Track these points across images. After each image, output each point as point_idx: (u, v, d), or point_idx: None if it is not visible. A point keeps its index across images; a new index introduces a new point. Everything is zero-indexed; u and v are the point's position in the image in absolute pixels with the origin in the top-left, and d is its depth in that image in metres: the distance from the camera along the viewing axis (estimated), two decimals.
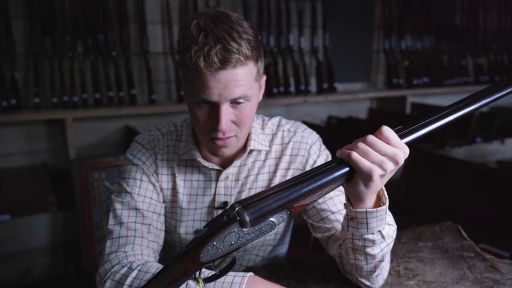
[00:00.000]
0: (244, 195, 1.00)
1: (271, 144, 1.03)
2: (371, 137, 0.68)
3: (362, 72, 3.45)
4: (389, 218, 0.82)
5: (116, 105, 2.44)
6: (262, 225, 0.64)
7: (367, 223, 0.75)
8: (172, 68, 2.65)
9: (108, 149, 2.59)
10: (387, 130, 0.68)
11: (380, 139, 0.68)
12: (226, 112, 0.84)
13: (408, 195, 2.24)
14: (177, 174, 1.00)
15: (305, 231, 1.08)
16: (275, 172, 1.01)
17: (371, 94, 3.21)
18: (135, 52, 2.55)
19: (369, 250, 0.79)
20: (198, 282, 0.71)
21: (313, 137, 1.04)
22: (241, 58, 0.80)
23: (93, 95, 2.39)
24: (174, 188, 1.00)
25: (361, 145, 0.68)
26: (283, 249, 1.16)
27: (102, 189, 2.09)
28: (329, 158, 1.03)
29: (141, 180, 0.97)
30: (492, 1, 3.85)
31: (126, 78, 2.48)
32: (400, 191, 2.26)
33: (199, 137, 0.94)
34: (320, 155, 1.02)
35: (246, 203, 0.62)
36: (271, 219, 0.64)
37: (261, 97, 0.95)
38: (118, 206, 0.94)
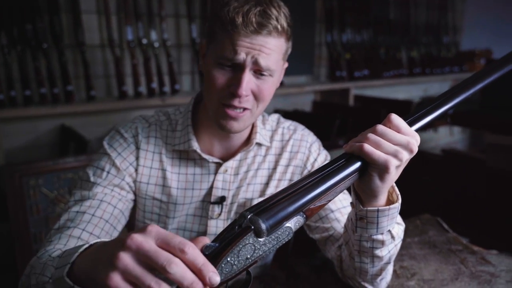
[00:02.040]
0: (242, 191, 0.94)
1: (272, 140, 0.98)
2: (381, 127, 0.63)
3: (305, 65, 3.45)
4: (398, 216, 0.77)
5: (50, 103, 2.20)
6: (279, 233, 0.56)
7: (377, 222, 0.70)
8: (111, 62, 2.45)
9: (41, 151, 2.34)
10: (396, 118, 0.64)
11: (390, 128, 0.63)
12: (249, 78, 0.81)
13: None
14: (167, 168, 0.91)
15: None
16: (275, 168, 0.96)
17: (317, 87, 3.23)
18: (69, 44, 2.32)
19: (377, 252, 0.74)
20: None
21: (312, 137, 1.02)
22: (278, 27, 0.79)
23: (22, 93, 2.14)
24: (163, 185, 0.91)
25: (371, 136, 0.62)
26: (269, 257, 1.09)
27: (40, 197, 1.87)
28: (328, 158, 1.00)
29: (108, 172, 0.89)
30: None
31: (60, 73, 2.24)
32: None
33: (208, 107, 0.87)
34: (320, 153, 0.99)
35: (259, 209, 0.54)
36: (288, 225, 0.56)
37: (279, 84, 0.91)
38: (76, 192, 0.88)
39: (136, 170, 0.91)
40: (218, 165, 0.93)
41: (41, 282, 0.65)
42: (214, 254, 0.53)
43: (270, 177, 0.96)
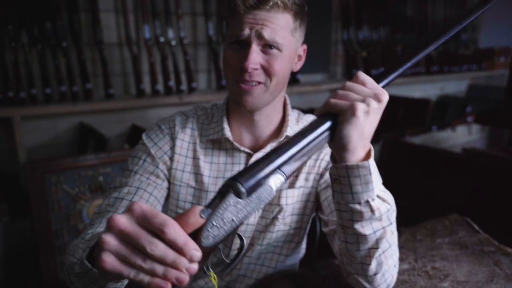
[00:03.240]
0: None
1: None
2: (348, 83, 0.68)
3: (321, 63, 3.43)
4: (383, 193, 0.74)
5: (69, 101, 2.22)
6: (260, 192, 0.59)
7: (350, 185, 0.69)
8: (129, 60, 2.45)
9: (60, 149, 2.36)
10: (362, 74, 0.69)
11: (356, 83, 0.68)
12: (256, 52, 0.85)
13: (384, 185, 2.25)
14: (201, 157, 0.96)
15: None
16: (304, 162, 0.96)
17: (333, 85, 3.20)
18: (88, 42, 2.33)
19: (358, 226, 0.72)
20: (209, 275, 0.63)
21: None
22: (278, 2, 0.83)
23: (42, 90, 2.15)
24: (197, 173, 0.96)
25: (339, 91, 0.67)
26: (296, 259, 1.08)
27: (61, 194, 1.88)
28: None
29: (144, 160, 0.96)
30: None
31: (79, 71, 2.25)
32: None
33: (228, 89, 0.93)
34: None
35: (237, 174, 0.58)
36: (268, 184, 0.59)
37: (297, 67, 0.95)
38: (117, 179, 0.94)
39: (171, 158, 0.97)
40: (248, 155, 0.96)
41: (71, 263, 0.69)
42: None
43: (299, 170, 0.98)
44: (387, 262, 0.77)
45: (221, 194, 0.56)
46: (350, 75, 3.32)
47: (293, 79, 2.92)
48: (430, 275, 0.88)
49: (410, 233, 1.07)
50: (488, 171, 1.94)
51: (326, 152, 0.99)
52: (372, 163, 0.69)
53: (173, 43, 2.51)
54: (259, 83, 0.87)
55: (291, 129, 0.97)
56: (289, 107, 1.02)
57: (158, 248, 0.48)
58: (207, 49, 2.71)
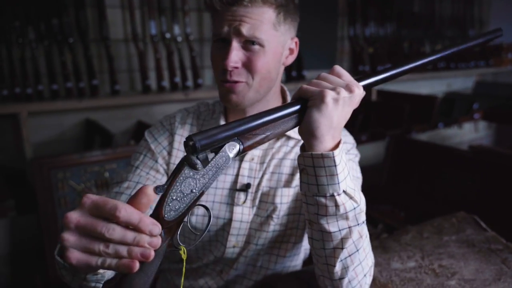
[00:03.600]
0: (266, 179, 0.95)
1: None
2: (323, 73, 0.70)
3: (327, 59, 3.41)
4: (352, 190, 0.72)
5: (76, 97, 2.22)
6: (217, 160, 0.59)
7: (315, 176, 0.68)
8: (135, 57, 2.46)
9: (66, 145, 2.37)
10: (338, 67, 0.71)
11: (332, 74, 0.70)
12: (236, 49, 0.84)
13: (390, 182, 2.25)
14: None
15: None
16: None
17: None
18: (94, 38, 2.33)
19: (323, 222, 0.70)
20: (179, 249, 0.63)
21: (349, 137, 1.01)
22: None
23: (49, 87, 2.16)
24: None
25: (313, 80, 0.70)
26: (296, 261, 1.07)
27: (67, 189, 1.89)
28: (357, 160, 0.99)
29: (144, 155, 0.98)
30: None
31: (85, 67, 2.26)
32: (382, 179, 2.26)
33: (216, 84, 0.93)
34: (350, 155, 0.97)
35: (193, 134, 0.58)
36: (226, 151, 0.60)
37: (289, 62, 0.94)
38: (119, 173, 0.98)
39: (170, 153, 0.98)
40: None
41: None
42: (164, 194, 0.58)
43: (295, 169, 0.96)
44: (355, 268, 0.75)
45: (178, 169, 0.57)
46: (356, 72, 3.30)
47: (299, 75, 2.91)
48: (437, 273, 0.87)
49: (417, 230, 1.07)
50: (495, 168, 1.93)
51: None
52: (338, 154, 0.68)
53: (179, 39, 2.51)
54: (240, 81, 0.87)
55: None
56: (289, 99, 1.01)
57: (116, 231, 0.50)
58: None
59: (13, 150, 2.18)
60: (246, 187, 0.95)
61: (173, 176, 0.57)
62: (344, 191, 0.69)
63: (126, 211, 0.50)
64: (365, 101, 3.39)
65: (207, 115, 1.03)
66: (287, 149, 0.97)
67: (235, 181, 0.96)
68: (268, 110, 0.65)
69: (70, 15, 2.21)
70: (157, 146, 0.99)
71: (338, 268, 0.74)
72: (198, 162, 0.57)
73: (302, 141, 0.97)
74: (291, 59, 0.95)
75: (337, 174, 0.67)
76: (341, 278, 0.74)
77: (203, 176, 0.58)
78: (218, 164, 0.60)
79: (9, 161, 2.19)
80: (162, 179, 0.96)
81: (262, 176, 0.96)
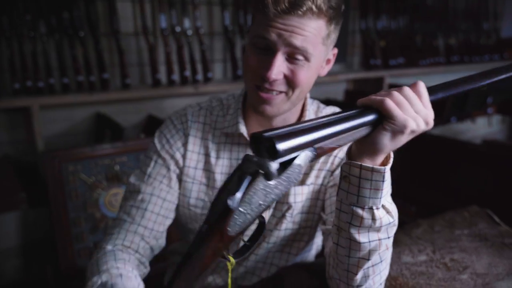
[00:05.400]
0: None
1: None
2: (408, 90, 0.62)
3: (338, 53, 3.38)
4: (389, 205, 0.70)
5: (86, 91, 2.23)
6: (290, 172, 0.52)
7: (359, 187, 0.65)
8: (145, 50, 2.46)
9: (77, 139, 2.39)
10: (422, 86, 0.64)
11: (414, 92, 0.63)
12: (280, 62, 0.78)
13: (401, 177, 2.22)
14: (212, 153, 0.92)
15: None
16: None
17: (350, 76, 3.16)
18: (104, 32, 2.34)
19: (354, 231, 0.67)
20: (228, 260, 0.59)
21: None
22: (313, 8, 0.74)
23: (60, 80, 2.17)
24: (208, 170, 0.92)
25: (396, 94, 0.61)
26: (306, 258, 1.06)
27: (78, 182, 1.90)
28: None
29: (155, 162, 0.94)
30: None
31: (96, 61, 2.27)
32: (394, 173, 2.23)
33: (246, 90, 0.88)
34: None
35: (271, 135, 0.48)
36: (297, 162, 0.52)
37: (325, 72, 0.88)
38: (131, 181, 0.93)
39: (184, 156, 0.93)
40: None
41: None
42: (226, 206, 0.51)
43: (311, 167, 0.94)
44: (374, 277, 0.74)
45: (250, 179, 0.50)
46: (368, 66, 3.27)
47: None
48: (449, 267, 0.86)
49: (428, 224, 1.05)
50: (509, 163, 1.89)
51: (340, 149, 0.94)
52: (388, 170, 0.65)
53: (189, 32, 2.50)
54: (280, 92, 0.82)
55: None
56: (308, 101, 0.97)
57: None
58: (223, 39, 2.70)
59: (25, 143, 2.20)
60: None
61: (246, 187, 0.51)
62: (383, 205, 0.68)
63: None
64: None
65: (220, 110, 0.97)
66: None
67: None
68: (345, 116, 0.58)
69: (80, 8, 2.22)
70: (170, 148, 0.94)
71: (359, 276, 0.72)
72: (275, 172, 0.50)
73: None
74: (326, 69, 0.91)
75: (382, 189, 0.65)
76: (359, 286, 0.73)
77: (274, 189, 0.52)
78: (290, 177, 0.53)
79: (21, 154, 2.21)
80: (175, 187, 0.93)
81: None
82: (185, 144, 0.94)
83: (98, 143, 2.11)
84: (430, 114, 0.63)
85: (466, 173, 2.01)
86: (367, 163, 0.64)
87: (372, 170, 0.63)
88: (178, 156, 0.93)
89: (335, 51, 0.90)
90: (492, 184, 1.90)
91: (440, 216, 1.08)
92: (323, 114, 0.98)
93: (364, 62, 3.30)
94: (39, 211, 1.92)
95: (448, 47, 3.81)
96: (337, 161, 0.94)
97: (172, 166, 0.93)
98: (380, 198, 0.65)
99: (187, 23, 2.50)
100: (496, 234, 0.97)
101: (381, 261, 0.72)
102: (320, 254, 1.09)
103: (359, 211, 0.66)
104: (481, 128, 3.79)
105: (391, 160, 0.66)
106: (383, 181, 0.64)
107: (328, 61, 0.89)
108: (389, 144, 0.62)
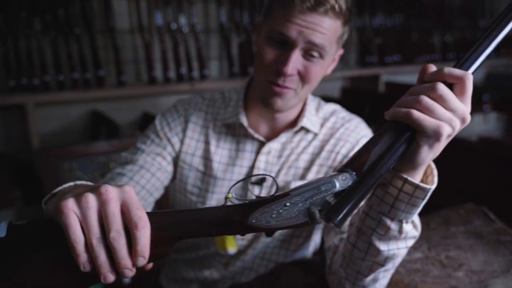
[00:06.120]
0: (282, 174, 0.93)
1: (322, 127, 0.96)
2: (442, 88, 0.53)
3: None
4: (417, 220, 0.70)
5: (82, 88, 2.22)
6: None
7: (396, 198, 0.61)
8: (141, 47, 2.45)
9: (73, 136, 2.38)
10: (468, 77, 0.54)
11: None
12: (296, 58, 0.80)
13: None
14: (212, 142, 0.94)
15: None
16: (319, 154, 0.94)
17: (346, 73, 3.16)
18: (100, 29, 2.33)
19: (375, 239, 0.66)
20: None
21: (366, 130, 0.98)
22: (336, 7, 0.77)
23: (55, 77, 2.16)
24: (207, 158, 0.94)
25: (425, 100, 0.53)
26: (305, 255, 1.06)
27: (74, 180, 1.89)
28: None
29: (152, 140, 0.96)
30: None
31: (91, 58, 2.26)
32: None
33: (255, 82, 0.89)
34: None
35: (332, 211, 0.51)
36: (335, 181, 0.52)
37: (330, 70, 0.90)
38: (123, 154, 0.94)
39: (182, 141, 0.95)
40: (261, 144, 0.94)
41: None
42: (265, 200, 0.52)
43: (312, 162, 0.94)
44: (381, 281, 0.74)
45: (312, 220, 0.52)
46: (364, 63, 3.27)
47: None
48: (444, 264, 0.86)
49: (424, 221, 1.05)
50: (505, 160, 1.89)
51: (343, 144, 0.95)
52: (432, 190, 0.61)
53: (185, 30, 2.49)
54: (291, 88, 0.84)
55: (308, 119, 0.93)
56: (309, 96, 0.98)
57: (119, 243, 0.45)
58: (219, 36, 2.69)
59: (20, 140, 2.19)
60: (261, 181, 0.93)
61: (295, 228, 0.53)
62: (412, 221, 0.67)
63: (144, 232, 0.46)
64: (372, 93, 3.36)
65: (222, 102, 0.99)
66: (305, 144, 0.95)
67: (251, 173, 0.94)
68: (387, 153, 0.54)
69: (76, 5, 2.20)
70: (169, 131, 0.96)
71: (368, 279, 0.71)
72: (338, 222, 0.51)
73: (321, 134, 0.95)
74: (331, 68, 0.92)
75: (418, 207, 0.62)
76: (365, 287, 0.73)
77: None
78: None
79: (16, 151, 2.20)
80: (168, 168, 0.95)
81: (279, 170, 0.94)
82: (184, 130, 0.96)
83: (94, 140, 2.10)
84: (467, 112, 0.55)
85: (461, 170, 2.01)
86: (409, 175, 0.61)
87: (417, 187, 0.60)
88: (176, 140, 0.95)
89: (341, 51, 0.92)
90: (488, 182, 1.90)
91: (436, 213, 1.08)
92: (324, 110, 0.99)
93: (360, 59, 3.31)
94: (34, 208, 1.91)
95: (444, 44, 3.81)
96: (339, 157, 0.95)
97: (169, 148, 0.95)
98: (413, 214, 0.63)
99: (183, 20, 2.49)
100: (491, 231, 0.97)
101: (393, 267, 0.72)
102: (318, 252, 1.09)
103: (388, 221, 0.64)
104: (477, 125, 3.81)
105: (436, 179, 0.63)
106: (423, 199, 0.61)
107: (333, 60, 0.91)
108: (428, 156, 0.57)
